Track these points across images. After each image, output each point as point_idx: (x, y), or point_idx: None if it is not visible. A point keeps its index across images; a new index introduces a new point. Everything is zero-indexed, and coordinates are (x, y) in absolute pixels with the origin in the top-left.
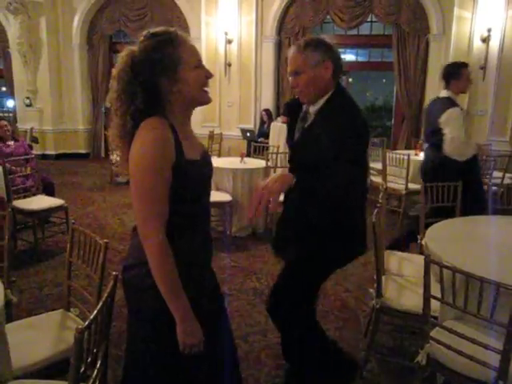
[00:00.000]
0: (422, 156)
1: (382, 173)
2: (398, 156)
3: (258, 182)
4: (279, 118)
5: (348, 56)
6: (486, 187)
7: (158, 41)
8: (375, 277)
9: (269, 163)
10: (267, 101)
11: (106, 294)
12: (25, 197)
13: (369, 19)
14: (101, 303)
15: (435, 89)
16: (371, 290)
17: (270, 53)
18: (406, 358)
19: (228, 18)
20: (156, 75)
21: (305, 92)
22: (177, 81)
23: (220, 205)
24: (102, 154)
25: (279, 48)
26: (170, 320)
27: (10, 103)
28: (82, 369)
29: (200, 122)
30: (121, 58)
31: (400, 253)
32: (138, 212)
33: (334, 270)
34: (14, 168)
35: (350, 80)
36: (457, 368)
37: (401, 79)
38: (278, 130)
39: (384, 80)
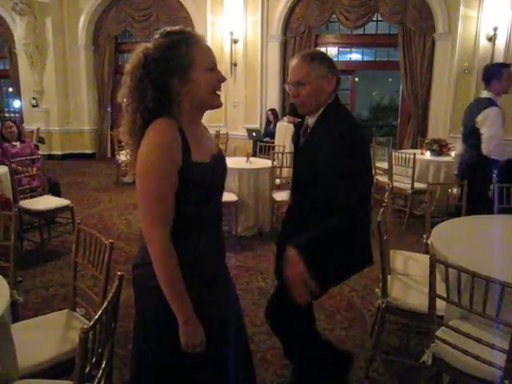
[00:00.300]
0: (428, 155)
1: (388, 172)
2: (403, 155)
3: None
4: (285, 118)
5: (354, 55)
6: None
7: (172, 39)
8: (381, 276)
9: (275, 163)
10: (273, 100)
11: (111, 294)
12: (31, 197)
13: (374, 18)
14: (106, 303)
15: (441, 88)
16: (377, 290)
17: (276, 52)
18: (411, 357)
19: (234, 18)
20: (167, 74)
21: (306, 103)
22: (187, 81)
23: (226, 205)
24: (108, 155)
25: (285, 48)
26: (173, 321)
27: (16, 104)
28: (88, 369)
29: (206, 121)
30: (135, 54)
31: (406, 252)
32: (142, 212)
33: (337, 285)
34: (19, 168)
35: (356, 79)
36: (462, 367)
37: (407, 78)
38: (284, 130)
39: (390, 79)
